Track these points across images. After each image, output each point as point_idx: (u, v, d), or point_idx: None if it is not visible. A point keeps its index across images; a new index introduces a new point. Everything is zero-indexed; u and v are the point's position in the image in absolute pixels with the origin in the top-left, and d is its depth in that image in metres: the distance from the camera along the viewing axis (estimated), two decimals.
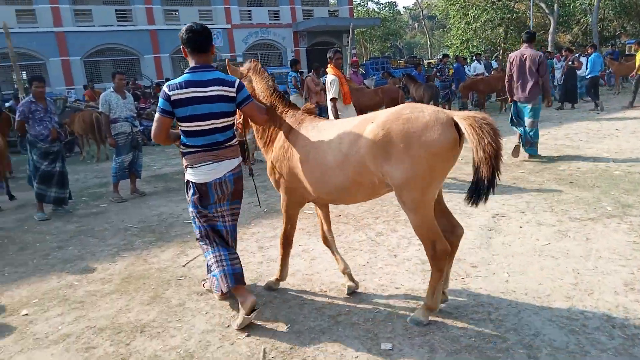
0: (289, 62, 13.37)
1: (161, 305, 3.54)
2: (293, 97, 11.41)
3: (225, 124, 3.13)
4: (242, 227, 5.25)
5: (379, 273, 3.82)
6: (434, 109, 2.74)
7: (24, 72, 25.25)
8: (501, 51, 31.82)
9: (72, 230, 5.71)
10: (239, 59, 25.29)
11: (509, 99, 7.49)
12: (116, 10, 24.46)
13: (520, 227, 4.58)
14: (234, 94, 3.09)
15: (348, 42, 31.38)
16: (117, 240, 5.22)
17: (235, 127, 3.33)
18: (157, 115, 3.05)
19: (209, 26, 3.26)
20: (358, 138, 2.84)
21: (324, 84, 12.34)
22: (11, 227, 6.00)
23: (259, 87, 3.45)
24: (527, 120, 7.21)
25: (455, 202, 5.23)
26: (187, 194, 3.25)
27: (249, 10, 27.91)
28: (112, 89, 6.88)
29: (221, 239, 3.25)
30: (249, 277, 3.80)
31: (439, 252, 2.80)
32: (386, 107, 11.78)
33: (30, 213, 6.50)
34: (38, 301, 3.78)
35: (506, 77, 7.40)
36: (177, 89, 2.99)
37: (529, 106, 7.16)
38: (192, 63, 3.08)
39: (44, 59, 22.78)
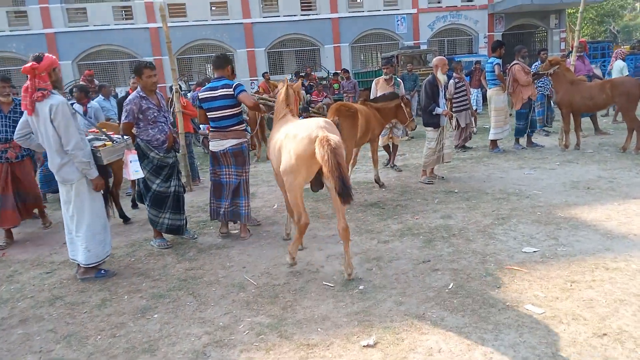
0: (490, 46, 10.45)
1: None
2: (491, 91, 8.60)
3: (228, 113, 4.75)
4: None
5: None
6: (315, 127, 3.66)
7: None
8: None
9: (177, 276, 4.15)
10: (423, 46, 22.71)
11: None
12: None
13: None
14: (232, 91, 4.67)
15: (556, 24, 26.35)
16: (219, 311, 3.43)
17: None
18: (198, 108, 4.97)
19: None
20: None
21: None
22: (119, 256, 4.74)
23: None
24: None
25: None
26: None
27: None
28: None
29: (220, 189, 4.95)
30: None
31: (302, 224, 3.88)
32: (619, 106, 8.36)
33: (150, 234, 5.21)
34: None
35: None
36: (203, 92, 4.83)
37: None
38: (215, 75, 4.88)
39: (232, 51, 23.43)
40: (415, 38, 24.37)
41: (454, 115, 8.60)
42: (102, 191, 4.15)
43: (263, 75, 16.61)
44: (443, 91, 6.81)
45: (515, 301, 3.21)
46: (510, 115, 9.38)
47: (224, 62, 4.76)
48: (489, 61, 8.67)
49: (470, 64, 15.14)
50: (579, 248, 4.09)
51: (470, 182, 6.70)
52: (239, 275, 4.07)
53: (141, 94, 4.57)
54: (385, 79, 7.67)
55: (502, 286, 3.44)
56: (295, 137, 3.70)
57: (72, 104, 7.48)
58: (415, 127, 7.03)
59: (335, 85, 16.96)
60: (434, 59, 6.94)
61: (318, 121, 3.80)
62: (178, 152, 4.95)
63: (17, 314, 3.66)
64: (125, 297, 3.81)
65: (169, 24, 21.79)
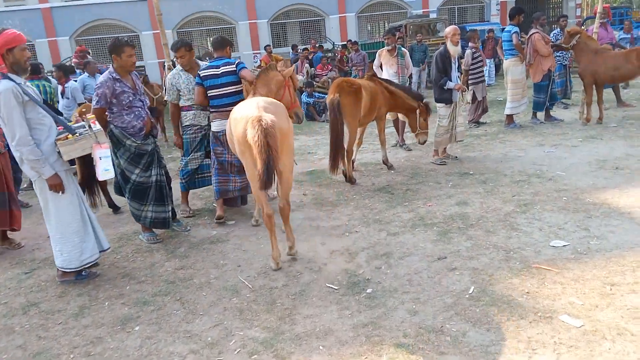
0: (507, 14, 9.73)
1: None
2: (508, 62, 7.97)
3: (231, 90, 4.65)
4: None
5: None
6: (254, 107, 3.49)
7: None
8: None
9: (165, 277, 3.75)
10: (433, 15, 21.82)
11: None
12: None
13: None
14: (235, 68, 4.64)
15: None
16: (208, 322, 3.03)
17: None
18: (195, 86, 4.72)
19: None
20: None
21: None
22: (104, 254, 4.34)
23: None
24: None
25: None
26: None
27: None
28: (179, 68, 4.90)
29: (224, 166, 4.71)
30: None
31: (265, 215, 3.64)
32: None
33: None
34: None
35: None
36: (204, 70, 4.69)
37: None
38: (215, 55, 4.82)
39: (234, 23, 22.68)
40: (424, 6, 23.44)
41: (468, 88, 8.06)
42: (69, 188, 3.57)
43: (265, 48, 15.97)
44: (456, 63, 6.24)
45: (548, 311, 2.77)
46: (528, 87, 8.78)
47: (223, 43, 4.78)
48: (506, 29, 8.03)
49: (483, 33, 14.38)
50: (614, 241, 3.62)
51: (486, 162, 6.20)
52: (232, 276, 3.66)
53: (114, 75, 4.03)
54: (388, 50, 7.11)
55: (532, 291, 3.00)
56: (236, 119, 3.64)
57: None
58: (424, 142, 6.36)
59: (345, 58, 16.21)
60: (446, 29, 6.36)
61: (258, 101, 3.66)
62: (156, 137, 4.47)
63: None
64: (106, 303, 3.42)
65: None
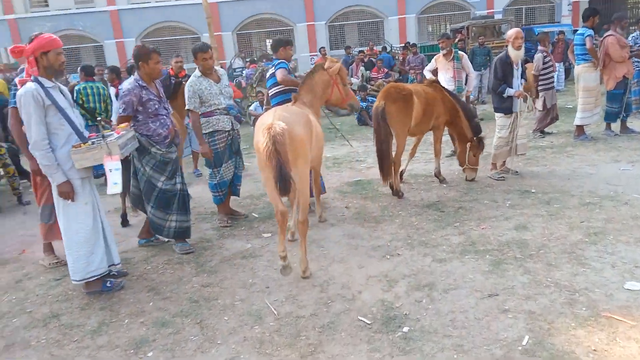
0: (580, 15, 8.88)
1: None
2: (580, 68, 7.23)
3: (278, 90, 4.90)
4: None
5: None
6: (271, 116, 3.44)
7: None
8: None
9: (190, 295, 3.54)
10: (497, 16, 20.77)
11: None
12: None
13: None
14: (274, 68, 4.87)
15: None
16: (224, 352, 2.77)
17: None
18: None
19: None
20: None
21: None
22: (136, 262, 4.22)
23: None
24: None
25: None
26: None
27: None
28: (198, 73, 4.59)
29: None
30: None
31: (278, 212, 3.54)
32: None
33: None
34: None
35: None
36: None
37: None
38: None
39: (291, 25, 22.69)
40: (489, 7, 22.43)
41: (538, 95, 7.50)
42: (82, 196, 3.43)
43: (320, 50, 15.76)
44: (519, 70, 5.66)
45: None
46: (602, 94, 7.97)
47: (276, 46, 5.04)
48: (578, 32, 7.30)
49: (553, 35, 13.41)
50: None
51: (551, 179, 5.59)
52: (259, 299, 3.39)
53: (140, 82, 3.93)
54: (443, 55, 6.69)
55: (600, 348, 2.50)
56: (256, 129, 3.62)
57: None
58: (472, 179, 5.74)
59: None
60: (508, 32, 5.81)
61: (277, 110, 3.67)
62: (177, 145, 4.34)
63: (7, 335, 3.22)
64: (126, 321, 3.26)
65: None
